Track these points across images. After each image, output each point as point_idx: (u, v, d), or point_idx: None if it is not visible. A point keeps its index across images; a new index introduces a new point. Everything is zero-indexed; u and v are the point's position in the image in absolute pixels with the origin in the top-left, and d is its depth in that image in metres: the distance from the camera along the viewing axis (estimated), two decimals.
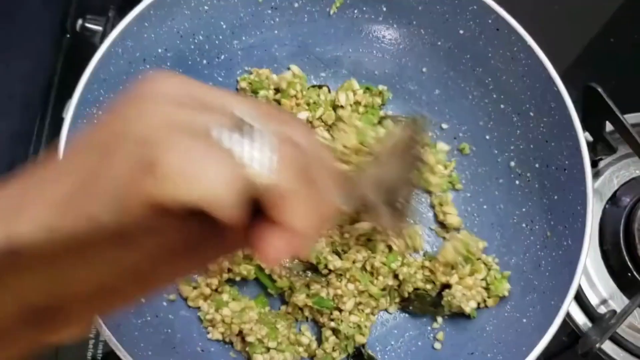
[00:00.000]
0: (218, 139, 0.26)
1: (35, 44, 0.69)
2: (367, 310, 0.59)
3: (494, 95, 0.65)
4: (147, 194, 0.24)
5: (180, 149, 0.25)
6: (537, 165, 0.62)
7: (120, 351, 0.49)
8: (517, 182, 0.64)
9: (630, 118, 0.72)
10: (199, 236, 0.27)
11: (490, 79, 0.64)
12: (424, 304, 0.61)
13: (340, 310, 0.59)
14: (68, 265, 0.25)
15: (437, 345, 0.60)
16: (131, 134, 0.26)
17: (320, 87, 0.67)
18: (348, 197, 0.45)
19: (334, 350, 0.59)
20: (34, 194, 0.27)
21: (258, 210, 0.27)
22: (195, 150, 0.25)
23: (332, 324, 0.58)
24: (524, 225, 0.62)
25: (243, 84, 0.66)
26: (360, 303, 0.59)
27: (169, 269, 0.29)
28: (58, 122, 0.61)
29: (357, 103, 0.66)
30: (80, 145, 0.28)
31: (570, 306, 0.68)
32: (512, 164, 0.64)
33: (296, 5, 0.66)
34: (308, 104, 0.65)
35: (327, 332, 0.59)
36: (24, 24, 0.66)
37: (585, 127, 0.70)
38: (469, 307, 0.58)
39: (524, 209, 0.63)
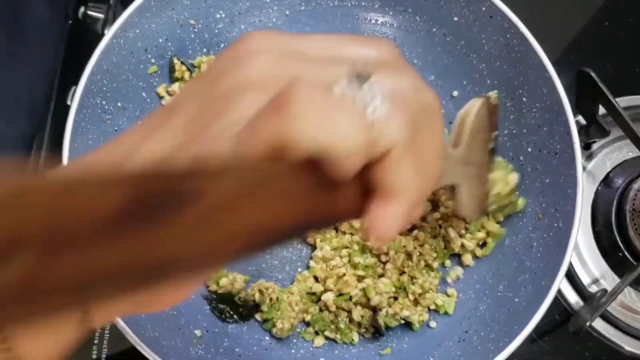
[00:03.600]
0: (340, 88, 0.26)
1: (42, 39, 0.69)
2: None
3: (488, 81, 0.65)
4: (274, 132, 0.24)
5: (308, 95, 0.24)
6: (529, 150, 0.62)
7: (128, 333, 0.51)
8: (510, 166, 0.63)
9: (622, 101, 0.72)
10: (313, 191, 0.26)
11: (484, 65, 0.65)
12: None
13: None
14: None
15: (433, 324, 0.62)
16: (250, 81, 0.26)
17: None
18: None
19: None
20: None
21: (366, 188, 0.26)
22: (321, 97, 0.24)
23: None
24: None
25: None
26: None
27: (288, 222, 0.26)
28: (63, 112, 0.62)
29: None
30: (194, 89, 0.29)
31: (562, 285, 0.70)
32: (505, 148, 0.64)
33: None
34: None
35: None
36: (30, 24, 0.66)
37: (578, 111, 0.71)
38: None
39: (517, 192, 0.62)
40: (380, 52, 0.29)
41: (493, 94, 0.59)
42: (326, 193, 0.26)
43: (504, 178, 0.56)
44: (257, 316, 0.61)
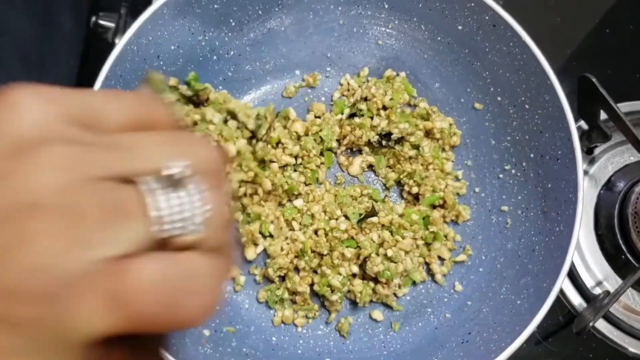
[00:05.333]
0: (149, 204, 0.22)
1: (66, 47, 0.70)
2: None
3: (491, 89, 0.66)
4: (107, 331, 0.21)
5: (148, 273, 0.21)
6: (532, 155, 0.63)
7: None
8: (513, 171, 0.65)
9: (623, 107, 0.73)
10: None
11: (487, 73, 0.66)
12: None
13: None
14: None
15: (437, 326, 0.63)
16: (40, 201, 0.20)
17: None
18: None
19: None
20: None
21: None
22: (164, 270, 0.21)
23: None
24: (519, 212, 0.64)
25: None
26: None
27: None
28: None
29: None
30: None
31: (566, 288, 0.70)
32: (509, 153, 0.66)
33: (305, 0, 0.68)
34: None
35: None
36: (58, 33, 0.67)
37: (580, 116, 0.72)
38: None
39: (519, 197, 0.64)
40: (158, 111, 0.26)
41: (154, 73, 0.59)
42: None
43: None
44: None
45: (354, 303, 0.64)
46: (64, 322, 0.20)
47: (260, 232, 0.64)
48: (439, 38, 0.68)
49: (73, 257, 0.20)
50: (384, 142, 0.66)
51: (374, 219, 0.62)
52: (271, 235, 0.64)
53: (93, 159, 0.21)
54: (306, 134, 0.66)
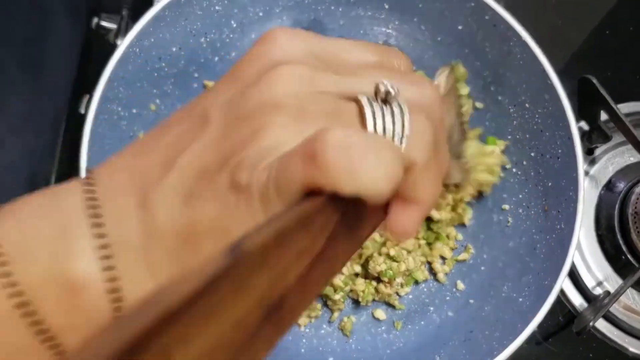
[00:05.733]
0: (367, 113, 0.26)
1: (63, 50, 0.70)
2: None
3: (492, 88, 0.66)
4: (309, 180, 0.24)
5: (340, 140, 0.24)
6: (532, 154, 0.64)
7: None
8: (513, 169, 0.66)
9: (623, 107, 0.74)
10: (350, 216, 0.27)
11: (488, 72, 0.66)
12: None
13: None
14: (280, 254, 0.24)
15: (440, 324, 0.63)
16: (278, 101, 0.26)
17: None
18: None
19: None
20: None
21: None
22: (355, 139, 0.24)
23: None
24: (520, 210, 0.64)
25: None
26: None
27: (338, 251, 0.28)
28: (76, 120, 0.63)
29: None
30: (218, 99, 0.28)
31: (566, 288, 0.71)
32: (509, 152, 0.66)
33: (307, 1, 0.68)
34: None
35: None
36: (54, 36, 0.67)
37: (581, 117, 0.73)
38: None
39: (520, 195, 0.65)
40: (398, 61, 0.31)
41: (458, 63, 0.61)
42: (363, 214, 0.28)
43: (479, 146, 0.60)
44: None
45: (356, 302, 0.64)
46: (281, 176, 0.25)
47: None
48: (439, 38, 0.69)
49: (293, 144, 0.25)
50: None
51: None
52: None
53: (323, 78, 0.27)
54: None
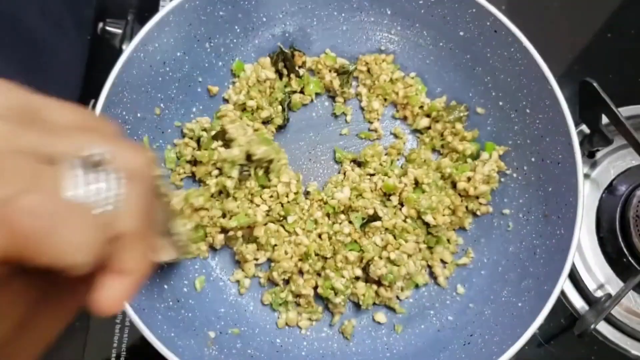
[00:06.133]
0: (67, 178, 0.25)
1: (70, 56, 0.70)
2: None
3: (493, 93, 0.66)
4: (2, 248, 0.23)
5: (35, 206, 0.23)
6: (533, 159, 0.64)
7: (145, 332, 0.53)
8: (514, 174, 0.66)
9: (624, 111, 0.73)
10: (54, 285, 0.26)
11: (489, 78, 0.66)
12: None
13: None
14: None
15: (440, 328, 0.63)
16: None
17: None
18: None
19: None
20: None
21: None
22: (50, 206, 0.23)
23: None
24: (520, 215, 0.64)
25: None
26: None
27: (44, 321, 0.27)
28: None
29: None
30: None
31: (568, 290, 0.71)
32: (510, 157, 0.66)
33: (310, 6, 0.69)
34: None
35: None
36: (61, 43, 0.67)
37: (582, 120, 0.73)
38: None
39: (520, 200, 0.65)
40: (109, 126, 0.30)
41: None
42: (65, 284, 0.26)
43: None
44: None
45: (357, 305, 0.64)
46: None
47: (260, 249, 0.65)
48: (440, 44, 0.69)
49: None
50: None
51: (377, 223, 0.63)
52: (275, 246, 0.65)
53: (24, 135, 0.25)
54: None
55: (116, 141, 0.28)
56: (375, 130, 0.70)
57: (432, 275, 0.66)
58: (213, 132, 0.65)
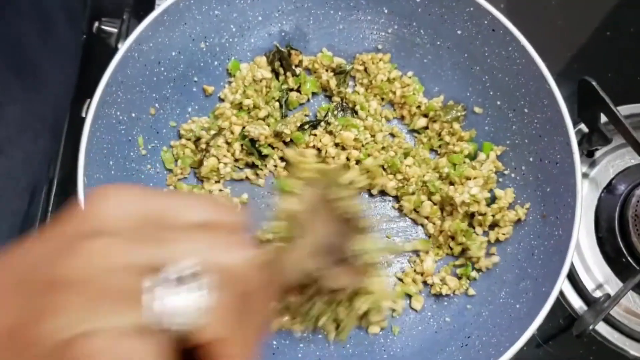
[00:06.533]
0: (144, 299, 0.26)
1: (63, 57, 0.70)
2: None
3: (491, 93, 0.66)
4: None
5: (96, 343, 0.24)
6: (531, 159, 0.64)
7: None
8: (512, 174, 0.66)
9: (623, 109, 0.73)
10: None
11: (487, 77, 0.66)
12: None
13: None
14: None
15: (437, 329, 0.63)
16: (74, 279, 0.25)
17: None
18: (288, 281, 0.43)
19: None
20: None
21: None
22: (111, 345, 0.24)
23: None
24: None
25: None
26: None
27: None
28: (78, 123, 0.63)
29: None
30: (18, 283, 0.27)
31: (566, 291, 0.70)
32: (508, 157, 0.66)
33: (306, 5, 0.69)
34: None
35: None
36: (54, 44, 0.67)
37: (581, 119, 0.72)
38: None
39: (518, 201, 0.64)
40: (229, 219, 0.31)
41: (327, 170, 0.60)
42: None
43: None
44: None
45: None
46: None
47: None
48: (438, 42, 0.68)
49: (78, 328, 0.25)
50: None
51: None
52: None
53: (129, 252, 0.26)
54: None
55: (224, 240, 0.29)
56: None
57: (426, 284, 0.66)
58: (213, 132, 0.64)
